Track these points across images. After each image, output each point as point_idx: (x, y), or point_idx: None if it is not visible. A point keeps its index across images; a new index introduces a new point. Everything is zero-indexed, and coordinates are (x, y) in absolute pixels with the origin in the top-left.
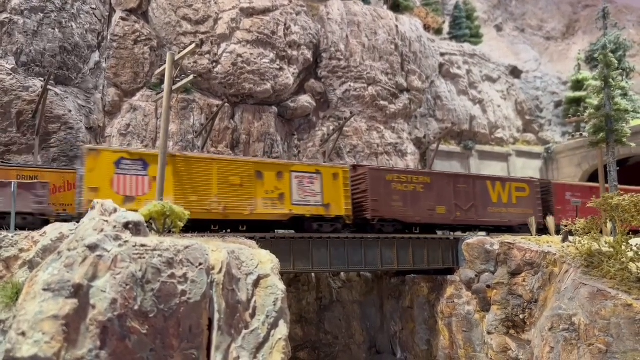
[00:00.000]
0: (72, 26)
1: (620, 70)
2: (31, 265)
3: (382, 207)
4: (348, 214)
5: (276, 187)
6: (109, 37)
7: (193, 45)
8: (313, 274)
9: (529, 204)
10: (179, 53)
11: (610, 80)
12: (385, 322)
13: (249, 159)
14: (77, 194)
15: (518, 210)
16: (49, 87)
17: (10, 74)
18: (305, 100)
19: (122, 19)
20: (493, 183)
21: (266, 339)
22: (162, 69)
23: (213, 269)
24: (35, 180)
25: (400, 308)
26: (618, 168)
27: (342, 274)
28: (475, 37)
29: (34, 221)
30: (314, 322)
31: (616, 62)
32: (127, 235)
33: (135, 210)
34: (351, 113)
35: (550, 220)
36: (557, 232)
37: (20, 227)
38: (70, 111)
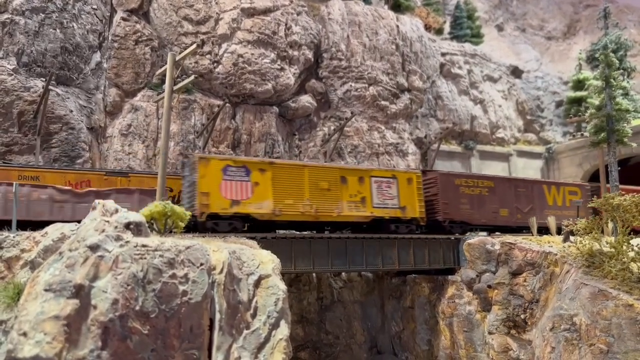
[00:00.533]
0: (73, 26)
1: (622, 70)
2: (33, 265)
3: (451, 209)
4: (422, 216)
5: (358, 191)
6: (110, 38)
7: (194, 46)
8: (314, 274)
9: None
10: (179, 53)
11: (612, 80)
12: (386, 322)
13: (334, 165)
14: (188, 198)
15: (571, 213)
16: (50, 87)
17: (12, 75)
18: (306, 100)
19: (123, 19)
20: (549, 187)
21: (267, 339)
22: (163, 69)
23: (214, 269)
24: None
25: (401, 308)
26: (619, 168)
27: (343, 274)
28: (476, 37)
29: None
30: (315, 322)
31: (617, 61)
32: (128, 236)
33: (242, 212)
34: (352, 113)
35: (551, 221)
36: (558, 232)
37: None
38: (71, 111)
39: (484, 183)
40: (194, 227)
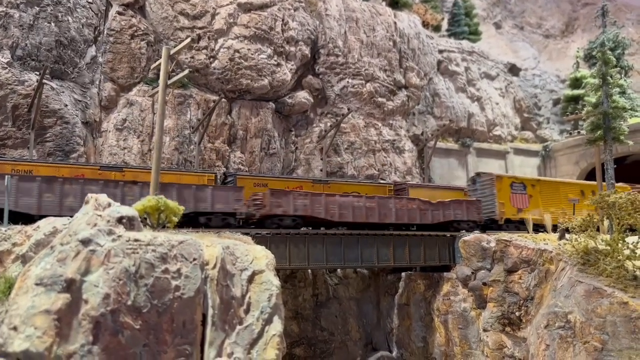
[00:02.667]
0: (68, 20)
1: (619, 68)
2: (24, 259)
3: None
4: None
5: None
6: (105, 32)
7: (189, 40)
8: (309, 271)
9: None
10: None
11: (609, 77)
12: (382, 318)
13: (576, 182)
14: (487, 206)
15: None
16: (44, 81)
17: (6, 68)
18: (302, 96)
19: (119, 13)
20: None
21: (260, 334)
22: (158, 63)
23: (207, 264)
24: (232, 185)
25: (397, 305)
26: (615, 166)
27: (338, 270)
28: (473, 34)
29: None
30: (310, 318)
31: (614, 59)
32: (120, 230)
33: (523, 218)
34: (349, 109)
35: (547, 218)
36: (554, 230)
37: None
38: (66, 105)
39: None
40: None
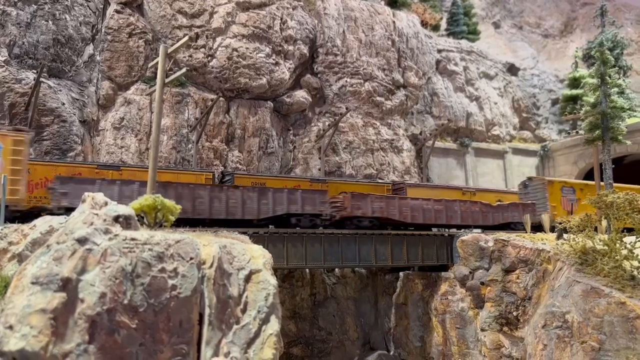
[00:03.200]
0: (65, 18)
1: (617, 68)
2: (20, 258)
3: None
4: None
5: None
6: (103, 30)
7: (186, 38)
8: (307, 270)
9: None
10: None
11: (607, 77)
12: (380, 318)
13: (620, 186)
14: (540, 208)
15: None
16: (42, 79)
17: (3, 66)
18: (301, 95)
19: (117, 11)
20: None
21: (257, 334)
22: (155, 61)
23: (204, 263)
24: (315, 189)
25: (395, 304)
26: (614, 166)
27: (336, 270)
28: (472, 34)
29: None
30: (308, 318)
31: (613, 59)
32: (117, 229)
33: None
34: (347, 109)
35: (545, 218)
36: (552, 230)
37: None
38: (63, 104)
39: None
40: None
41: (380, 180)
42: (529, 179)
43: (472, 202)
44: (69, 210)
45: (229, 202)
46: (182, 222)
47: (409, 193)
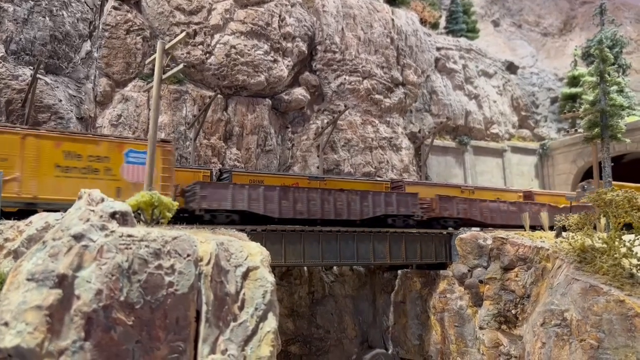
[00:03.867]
0: (63, 15)
1: (616, 66)
2: (16, 254)
3: None
4: None
5: None
6: (100, 27)
7: (184, 34)
8: (305, 268)
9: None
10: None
11: (606, 75)
12: (378, 316)
13: None
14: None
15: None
16: (39, 76)
17: (0, 62)
18: (299, 93)
19: (114, 8)
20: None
21: (255, 331)
22: (153, 57)
23: (201, 260)
24: (409, 192)
25: (393, 303)
26: (612, 164)
27: (334, 268)
28: (471, 32)
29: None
30: (306, 316)
31: (612, 57)
32: (113, 225)
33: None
34: (346, 106)
35: (544, 216)
36: (551, 228)
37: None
38: (60, 101)
39: None
40: None
41: (378, 178)
42: (588, 182)
43: (541, 204)
44: (208, 212)
45: (337, 205)
46: (297, 222)
47: (407, 191)
